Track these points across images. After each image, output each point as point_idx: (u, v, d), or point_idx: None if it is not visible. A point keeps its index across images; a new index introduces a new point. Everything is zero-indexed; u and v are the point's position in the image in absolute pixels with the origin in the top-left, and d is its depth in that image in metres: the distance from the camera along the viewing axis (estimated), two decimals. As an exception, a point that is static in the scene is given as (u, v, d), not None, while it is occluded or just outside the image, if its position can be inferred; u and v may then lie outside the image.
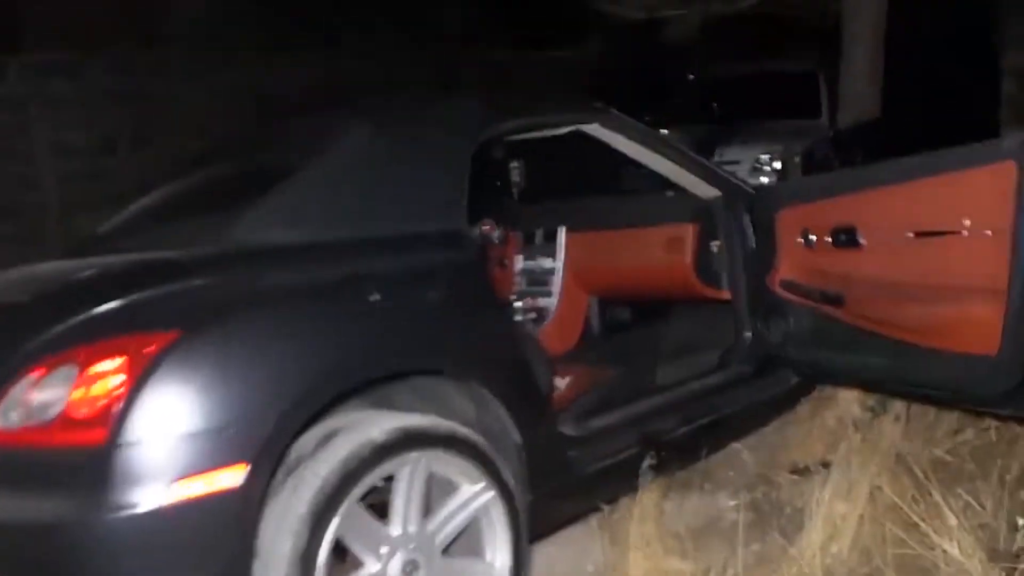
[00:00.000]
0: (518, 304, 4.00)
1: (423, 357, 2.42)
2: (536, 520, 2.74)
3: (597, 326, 4.09)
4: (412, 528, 2.36)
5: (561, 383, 3.43)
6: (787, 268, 3.19)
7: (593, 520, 3.07)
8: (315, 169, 2.61)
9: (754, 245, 3.38)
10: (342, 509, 2.21)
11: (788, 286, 3.17)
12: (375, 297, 2.34)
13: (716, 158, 6.81)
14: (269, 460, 2.13)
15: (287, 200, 2.54)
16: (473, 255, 2.63)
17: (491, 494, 2.49)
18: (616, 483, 2.97)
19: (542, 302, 4.02)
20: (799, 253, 3.11)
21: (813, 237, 3.01)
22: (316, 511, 2.16)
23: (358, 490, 2.24)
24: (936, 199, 2.48)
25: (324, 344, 2.26)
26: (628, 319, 4.23)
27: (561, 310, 3.98)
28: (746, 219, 3.44)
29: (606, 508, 3.05)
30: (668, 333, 4.04)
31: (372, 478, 2.28)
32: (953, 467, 3.16)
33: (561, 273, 3.98)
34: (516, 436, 2.60)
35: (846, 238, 2.83)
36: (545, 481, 2.71)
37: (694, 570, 2.85)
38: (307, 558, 2.14)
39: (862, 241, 2.78)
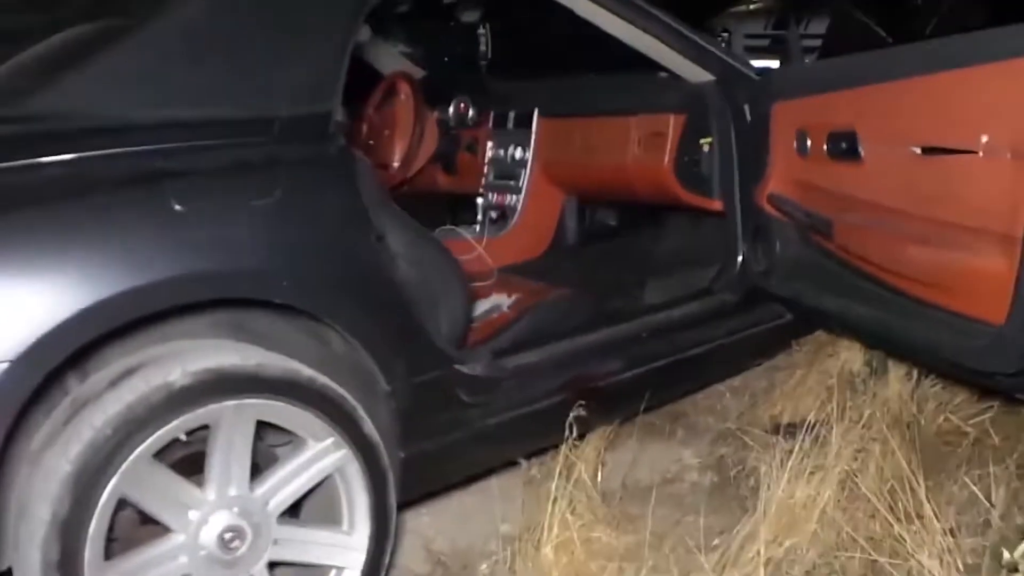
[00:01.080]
0: (479, 200, 3.42)
1: (240, 281, 1.89)
2: (422, 479, 2.26)
3: (574, 231, 3.47)
4: (233, 491, 1.89)
5: (503, 303, 2.88)
6: (778, 179, 2.52)
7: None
8: (139, 33, 2.03)
9: (750, 145, 2.71)
10: (125, 467, 1.75)
11: (776, 202, 2.51)
12: (179, 203, 1.80)
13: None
14: (13, 403, 1.67)
15: (95, 68, 1.98)
16: (334, 149, 2.05)
17: (343, 452, 2.00)
18: (534, 436, 2.45)
19: (509, 199, 3.42)
20: (792, 161, 2.43)
21: (809, 142, 2.33)
22: (85, 470, 1.70)
23: (149, 444, 1.77)
24: (951, 102, 1.79)
25: (94, 258, 1.75)
26: (612, 226, 3.61)
27: (528, 210, 3.38)
28: (747, 112, 2.76)
29: (529, 462, 2.55)
30: (656, 246, 3.43)
31: (171, 429, 1.79)
32: (967, 443, 2.53)
33: (531, 166, 3.36)
34: (382, 383, 2.09)
35: (845, 147, 2.15)
36: (428, 435, 2.20)
37: (620, 546, 2.35)
38: (71, 527, 1.70)
39: (862, 152, 2.09)
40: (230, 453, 1.88)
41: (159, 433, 1.77)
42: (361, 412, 2.02)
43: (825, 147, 2.23)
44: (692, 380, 2.82)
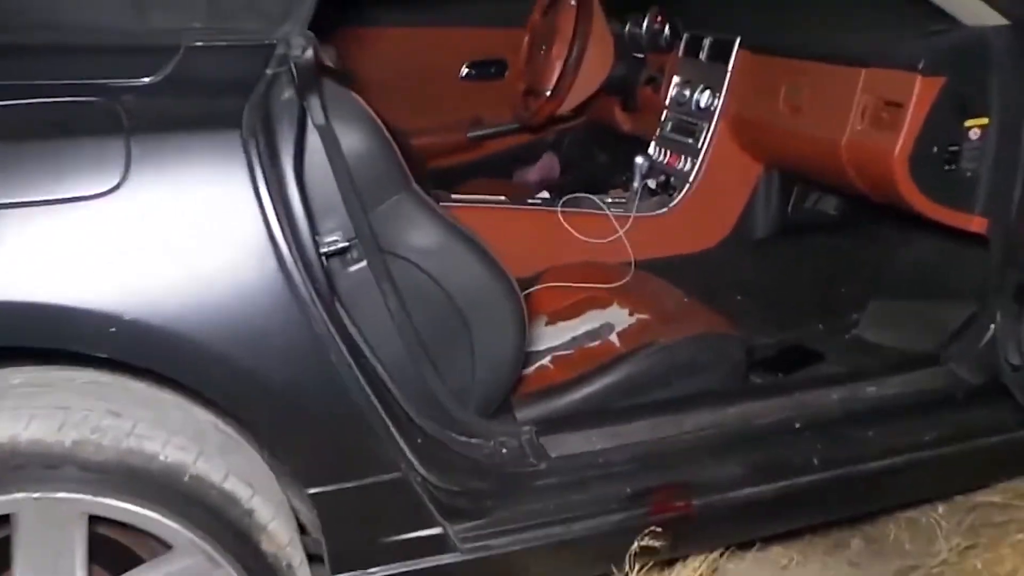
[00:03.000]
0: (639, 160, 2.47)
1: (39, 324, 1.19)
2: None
3: (768, 220, 2.45)
4: (51, 603, 1.28)
5: (612, 324, 1.99)
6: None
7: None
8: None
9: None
10: None
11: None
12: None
13: None
14: None
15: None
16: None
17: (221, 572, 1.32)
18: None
19: (682, 162, 2.45)
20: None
21: None
22: None
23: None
24: None
25: None
26: (831, 217, 2.52)
27: (706, 181, 2.39)
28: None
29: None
30: (893, 258, 2.34)
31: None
32: None
33: (717, 119, 2.37)
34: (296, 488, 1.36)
35: None
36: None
37: None
38: None
39: None
40: (39, 554, 1.25)
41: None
42: (260, 518, 1.31)
43: None
44: (859, 504, 1.82)
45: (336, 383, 1.30)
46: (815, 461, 1.65)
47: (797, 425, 1.68)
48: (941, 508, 2.00)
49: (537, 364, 1.95)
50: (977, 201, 1.82)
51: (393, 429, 1.38)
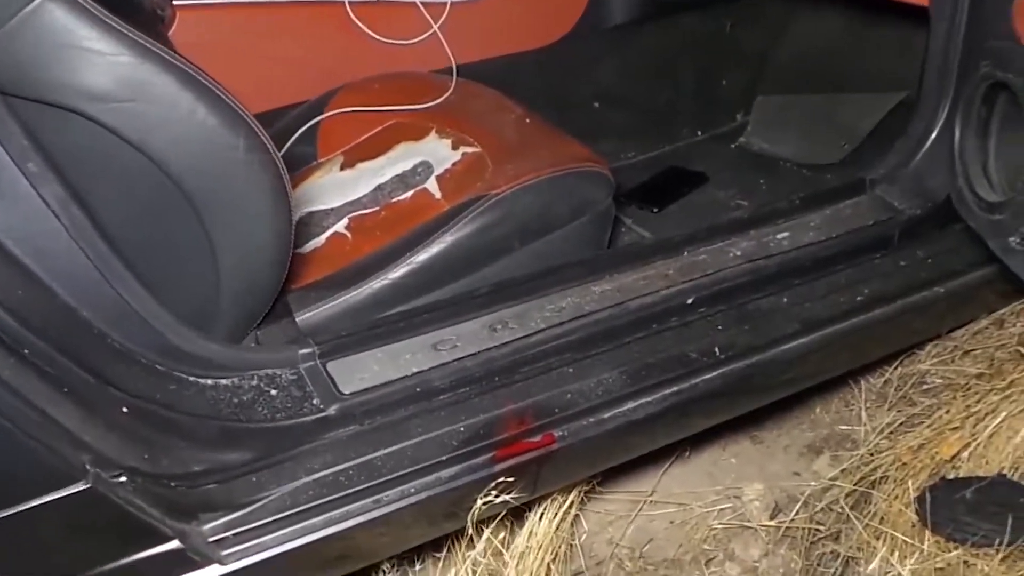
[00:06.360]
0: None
1: None
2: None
3: None
4: None
5: (441, 158, 1.43)
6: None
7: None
8: None
9: None
10: None
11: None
12: None
13: None
14: None
15: None
16: None
17: None
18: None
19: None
20: None
21: None
22: None
23: None
24: None
25: None
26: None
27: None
28: None
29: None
30: (776, 42, 1.84)
31: None
32: None
33: None
34: None
35: None
36: None
37: None
38: None
39: None
40: None
41: None
42: None
43: None
44: (771, 395, 1.39)
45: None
46: (716, 351, 1.19)
47: (689, 301, 1.21)
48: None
49: (331, 230, 1.39)
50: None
51: (58, 411, 0.82)
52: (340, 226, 1.38)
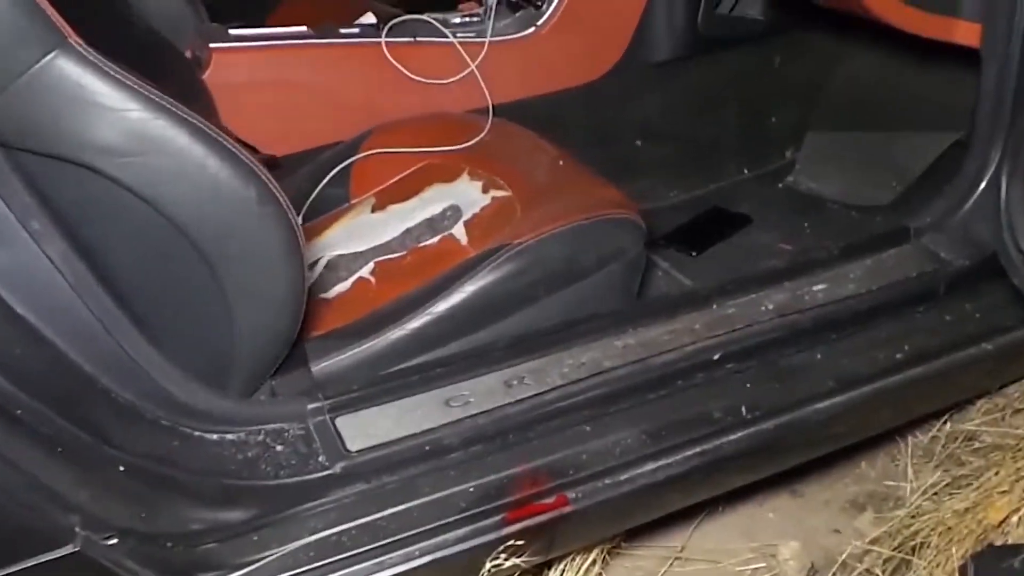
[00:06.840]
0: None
1: None
2: None
3: (670, 35, 1.79)
4: None
5: (467, 203, 1.41)
6: None
7: None
8: None
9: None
10: None
11: None
12: None
13: None
14: None
15: None
16: None
17: None
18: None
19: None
20: None
21: None
22: None
23: None
24: None
25: None
26: (759, 25, 1.88)
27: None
28: None
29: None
30: (828, 78, 1.77)
31: None
32: None
33: None
34: None
35: None
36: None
37: None
38: None
39: None
40: None
41: None
42: None
43: None
44: (803, 455, 1.32)
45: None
46: (743, 410, 1.14)
47: (716, 357, 1.16)
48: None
49: (356, 275, 1.38)
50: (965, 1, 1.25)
51: (48, 473, 0.82)
52: (366, 271, 1.37)
